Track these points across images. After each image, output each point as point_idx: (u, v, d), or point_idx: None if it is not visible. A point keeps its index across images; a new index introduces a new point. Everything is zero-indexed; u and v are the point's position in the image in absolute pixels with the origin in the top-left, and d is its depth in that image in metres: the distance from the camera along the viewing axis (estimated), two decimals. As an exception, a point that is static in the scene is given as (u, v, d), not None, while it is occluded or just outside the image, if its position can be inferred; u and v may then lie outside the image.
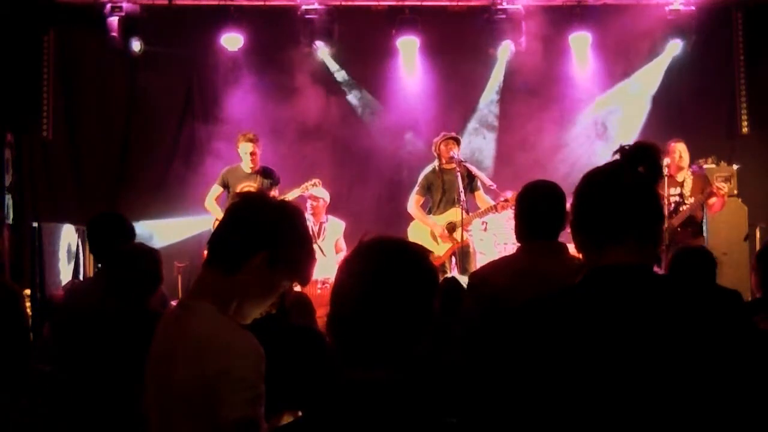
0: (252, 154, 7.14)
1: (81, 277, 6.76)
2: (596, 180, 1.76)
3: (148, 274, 3.21)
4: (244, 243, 1.89)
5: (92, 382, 3.00)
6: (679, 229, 6.75)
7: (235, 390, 1.75)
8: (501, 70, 8.77)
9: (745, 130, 8.87)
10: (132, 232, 3.85)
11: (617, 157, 1.79)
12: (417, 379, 1.54)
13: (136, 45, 8.31)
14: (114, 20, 8.14)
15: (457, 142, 7.03)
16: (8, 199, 7.59)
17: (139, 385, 1.96)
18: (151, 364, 1.93)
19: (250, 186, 7.06)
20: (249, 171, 7.19)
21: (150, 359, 1.94)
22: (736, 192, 7.75)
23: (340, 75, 8.75)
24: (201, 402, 1.76)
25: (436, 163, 7.08)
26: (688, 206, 6.77)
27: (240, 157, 7.23)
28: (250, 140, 7.15)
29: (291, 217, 1.96)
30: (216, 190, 7.26)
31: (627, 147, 1.80)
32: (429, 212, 7.15)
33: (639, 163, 1.75)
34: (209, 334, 1.82)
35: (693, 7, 8.49)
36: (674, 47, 8.63)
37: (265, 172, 7.27)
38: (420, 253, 1.61)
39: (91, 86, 8.64)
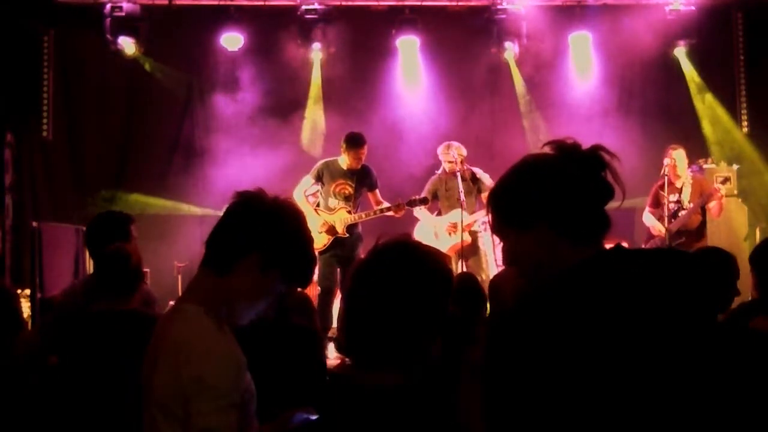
0: (359, 158, 6.73)
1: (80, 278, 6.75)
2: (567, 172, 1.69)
3: (123, 276, 3.21)
4: (236, 244, 1.86)
5: (76, 382, 3.01)
6: (678, 235, 6.78)
7: (208, 398, 1.73)
8: (519, 79, 8.78)
9: (745, 130, 8.88)
10: (128, 233, 3.84)
11: (548, 149, 1.71)
12: (431, 383, 1.53)
13: (135, 45, 8.31)
14: (114, 20, 8.14)
15: (459, 148, 7.07)
16: (8, 199, 7.58)
17: (119, 385, 1.95)
18: (143, 365, 1.92)
19: (346, 184, 6.81)
20: (346, 168, 6.82)
21: (143, 359, 1.93)
22: (736, 192, 7.75)
23: (341, 74, 8.73)
24: (177, 406, 1.76)
25: (440, 169, 7.16)
26: (686, 211, 6.79)
27: (330, 151, 6.90)
28: (361, 144, 6.72)
29: (287, 218, 1.91)
30: (307, 182, 6.88)
31: (573, 146, 1.71)
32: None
33: (599, 169, 1.68)
34: (189, 339, 1.80)
35: (693, 7, 8.49)
36: (681, 52, 8.70)
37: (363, 171, 6.87)
38: (435, 256, 1.60)
39: (91, 86, 8.63)
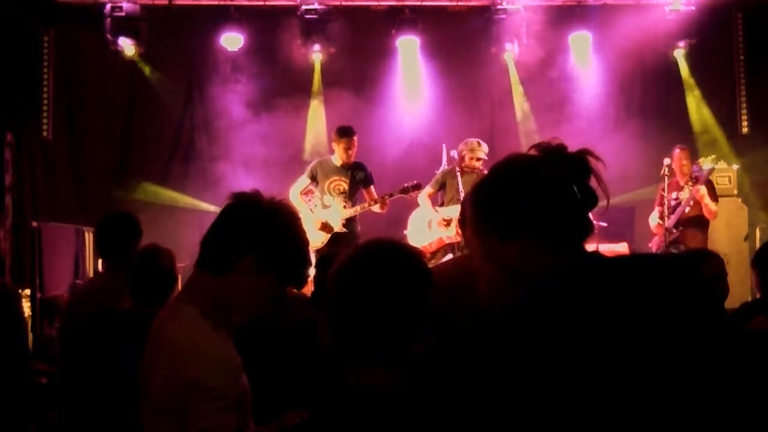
0: (348, 149, 6.77)
1: (81, 278, 6.75)
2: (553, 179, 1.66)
3: (167, 274, 3.18)
4: (233, 245, 1.87)
5: (100, 383, 2.99)
6: (674, 230, 6.86)
7: (205, 399, 1.73)
8: (518, 79, 8.78)
9: (745, 130, 8.88)
10: (139, 232, 3.82)
11: (534, 152, 1.69)
12: (420, 382, 1.53)
13: (135, 46, 8.31)
14: (114, 20, 8.15)
15: (483, 148, 7.08)
16: (8, 199, 7.58)
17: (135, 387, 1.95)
18: (142, 366, 1.93)
19: (340, 181, 6.86)
20: (339, 164, 6.88)
21: (142, 361, 1.94)
22: (735, 192, 7.76)
23: (341, 75, 8.74)
24: (174, 408, 1.76)
25: (455, 162, 7.11)
26: (679, 208, 6.89)
27: (333, 150, 6.94)
28: (348, 134, 6.78)
29: (285, 220, 1.91)
30: (303, 182, 6.94)
31: (558, 148, 1.69)
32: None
33: (584, 174, 1.66)
34: (184, 340, 1.80)
35: (693, 7, 8.50)
36: (681, 52, 8.72)
37: (357, 167, 6.94)
38: (414, 254, 1.61)
39: (91, 86, 8.63)
